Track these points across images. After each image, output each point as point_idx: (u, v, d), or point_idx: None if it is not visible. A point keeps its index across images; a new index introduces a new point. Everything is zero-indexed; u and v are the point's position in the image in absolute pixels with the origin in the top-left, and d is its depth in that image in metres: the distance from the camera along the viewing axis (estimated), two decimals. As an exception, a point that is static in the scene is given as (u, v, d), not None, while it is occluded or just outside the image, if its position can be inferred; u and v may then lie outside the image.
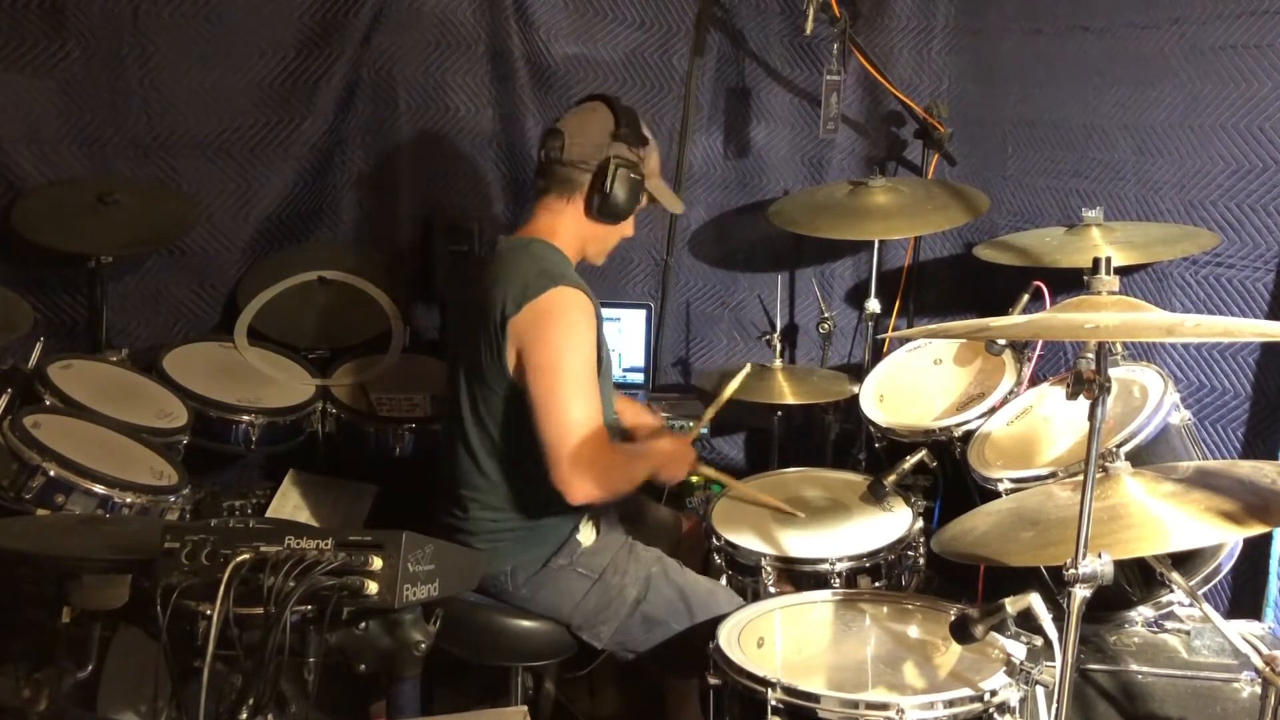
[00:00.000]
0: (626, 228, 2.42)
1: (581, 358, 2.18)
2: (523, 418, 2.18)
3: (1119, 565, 1.62)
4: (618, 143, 2.31)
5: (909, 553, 2.46)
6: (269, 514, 2.89)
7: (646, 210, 2.46)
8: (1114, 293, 1.72)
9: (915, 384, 2.82)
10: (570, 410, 2.14)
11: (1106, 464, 1.85)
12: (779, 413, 3.17)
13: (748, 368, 2.73)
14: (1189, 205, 2.72)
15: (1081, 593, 1.59)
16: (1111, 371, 1.62)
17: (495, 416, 2.26)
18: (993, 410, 2.51)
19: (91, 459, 2.41)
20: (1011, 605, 1.75)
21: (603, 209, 2.31)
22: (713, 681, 1.94)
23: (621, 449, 2.19)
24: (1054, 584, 2.03)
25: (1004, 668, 1.85)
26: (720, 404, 2.63)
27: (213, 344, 3.15)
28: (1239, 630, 1.78)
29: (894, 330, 3.38)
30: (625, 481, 2.22)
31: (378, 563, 1.70)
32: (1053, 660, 1.68)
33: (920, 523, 2.49)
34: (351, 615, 1.78)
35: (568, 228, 2.34)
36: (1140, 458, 2.01)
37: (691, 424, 2.71)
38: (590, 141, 2.30)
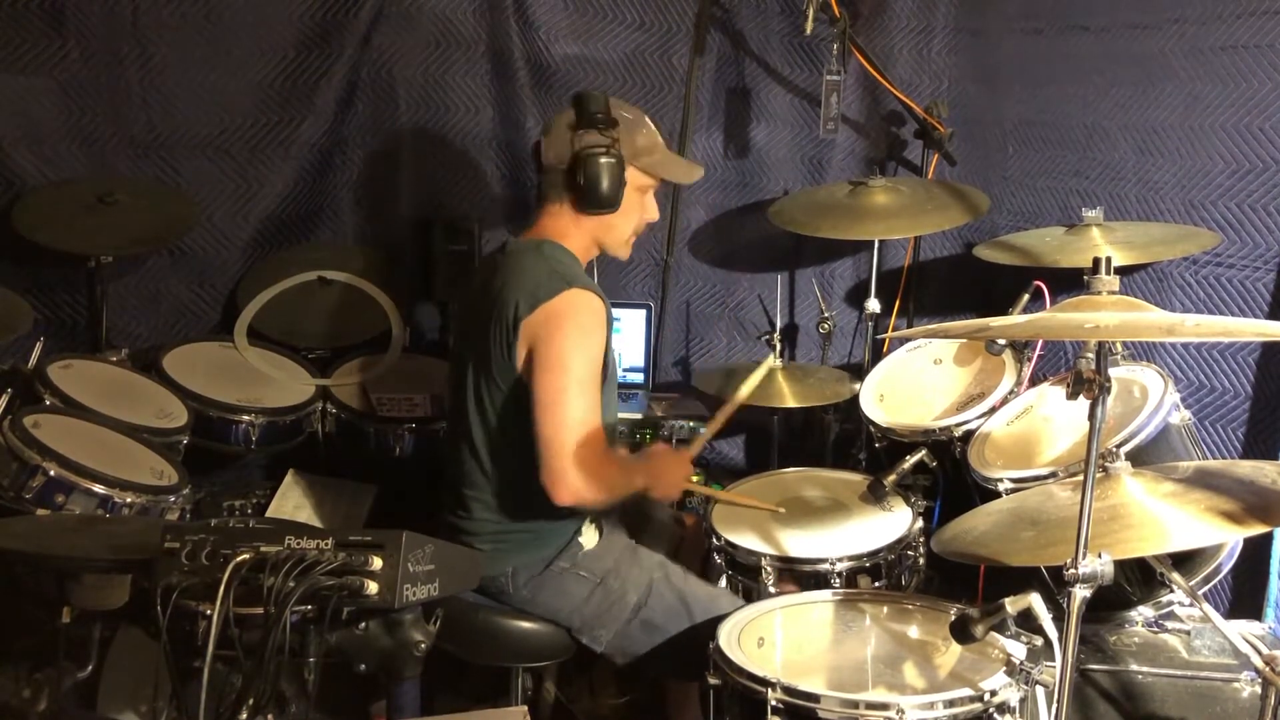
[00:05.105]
0: (647, 211, 2.40)
1: (588, 358, 2.18)
2: (525, 415, 2.18)
3: (1119, 565, 1.62)
4: (584, 132, 2.28)
5: (909, 553, 2.46)
6: (269, 514, 2.89)
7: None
8: (1114, 293, 1.72)
9: (915, 384, 2.82)
10: (570, 408, 2.13)
11: (1106, 464, 1.85)
12: (779, 413, 3.17)
13: (770, 360, 2.37)
14: (1189, 205, 2.72)
15: (1081, 593, 1.59)
16: (1111, 371, 1.62)
17: (500, 415, 2.25)
18: (993, 410, 2.51)
19: (91, 459, 2.40)
20: (1011, 605, 1.75)
21: (590, 200, 2.29)
22: (713, 682, 1.94)
23: (615, 456, 2.18)
24: (1054, 584, 2.03)
25: (1004, 668, 1.85)
26: (732, 410, 2.46)
27: (213, 344, 3.15)
28: (1239, 630, 1.77)
29: (894, 330, 3.37)
30: (613, 487, 2.19)
31: (378, 563, 1.71)
32: (1053, 660, 1.68)
33: (920, 523, 2.49)
34: (351, 615, 1.78)
35: (572, 228, 2.34)
36: (1140, 458, 2.01)
37: (701, 430, 2.37)
38: (558, 140, 2.30)
